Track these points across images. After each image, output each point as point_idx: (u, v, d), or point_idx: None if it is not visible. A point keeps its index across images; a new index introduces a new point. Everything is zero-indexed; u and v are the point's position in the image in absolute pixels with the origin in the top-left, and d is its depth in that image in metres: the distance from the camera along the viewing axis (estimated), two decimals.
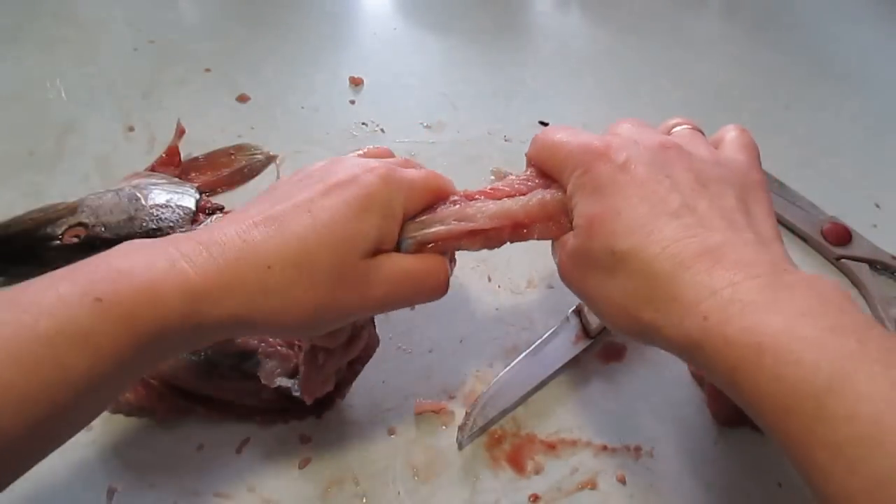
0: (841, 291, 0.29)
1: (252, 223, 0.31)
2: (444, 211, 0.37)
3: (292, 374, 0.41)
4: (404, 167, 0.37)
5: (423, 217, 0.37)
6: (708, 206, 0.32)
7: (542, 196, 0.37)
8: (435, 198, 0.37)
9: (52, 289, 0.27)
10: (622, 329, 0.33)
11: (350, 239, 0.32)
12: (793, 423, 0.26)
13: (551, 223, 0.37)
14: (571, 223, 0.35)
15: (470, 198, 0.38)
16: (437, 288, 0.36)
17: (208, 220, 0.50)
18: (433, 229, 0.36)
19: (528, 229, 0.37)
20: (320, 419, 0.43)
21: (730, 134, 0.38)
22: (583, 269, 0.34)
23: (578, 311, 0.47)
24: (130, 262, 0.29)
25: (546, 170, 0.37)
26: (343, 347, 0.37)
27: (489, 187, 0.38)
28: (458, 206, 0.37)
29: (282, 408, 0.42)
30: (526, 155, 0.39)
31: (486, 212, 0.37)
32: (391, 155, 0.39)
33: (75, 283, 0.28)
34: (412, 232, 0.36)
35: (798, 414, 0.25)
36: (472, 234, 0.37)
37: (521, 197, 0.37)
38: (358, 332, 0.39)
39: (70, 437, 0.30)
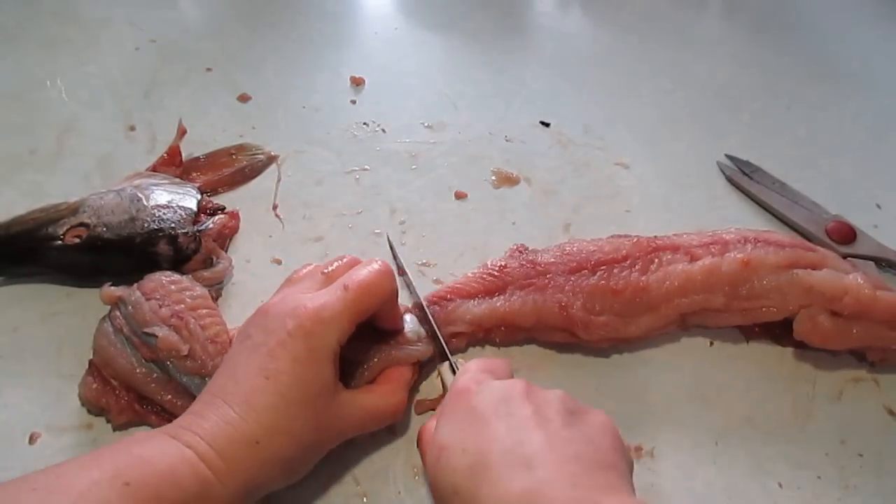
0: None
1: (230, 408, 0.35)
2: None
3: None
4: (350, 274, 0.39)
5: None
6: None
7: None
8: (374, 306, 0.39)
9: (85, 473, 0.31)
10: None
11: (317, 389, 0.36)
12: None
13: None
14: None
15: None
16: (392, 417, 0.41)
17: (209, 221, 0.50)
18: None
19: None
20: None
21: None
22: None
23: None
24: (149, 449, 0.33)
25: None
26: None
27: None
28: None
29: None
30: None
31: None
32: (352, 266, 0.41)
33: (103, 469, 0.31)
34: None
35: None
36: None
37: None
38: None
39: None
